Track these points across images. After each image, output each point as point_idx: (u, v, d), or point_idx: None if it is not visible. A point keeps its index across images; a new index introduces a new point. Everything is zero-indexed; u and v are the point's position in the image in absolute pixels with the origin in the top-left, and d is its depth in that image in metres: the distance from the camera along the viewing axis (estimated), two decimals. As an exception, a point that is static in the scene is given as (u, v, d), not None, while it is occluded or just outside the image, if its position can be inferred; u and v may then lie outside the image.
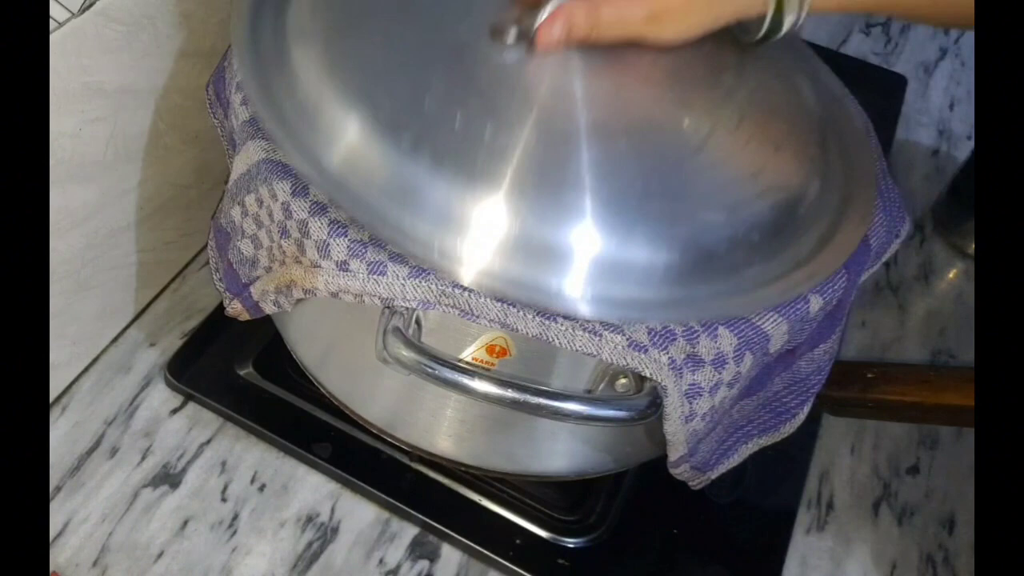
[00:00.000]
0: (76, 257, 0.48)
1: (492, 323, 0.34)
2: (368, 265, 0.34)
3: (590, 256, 0.34)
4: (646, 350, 0.34)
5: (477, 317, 0.34)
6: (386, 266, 0.34)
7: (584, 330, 0.33)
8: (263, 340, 0.54)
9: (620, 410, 0.35)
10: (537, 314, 0.33)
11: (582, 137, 0.36)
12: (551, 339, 0.33)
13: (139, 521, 0.48)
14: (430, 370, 0.34)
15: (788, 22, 0.38)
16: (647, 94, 0.39)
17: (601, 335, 0.34)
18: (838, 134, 0.44)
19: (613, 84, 0.38)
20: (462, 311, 0.34)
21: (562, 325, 0.33)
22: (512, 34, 0.38)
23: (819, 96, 0.45)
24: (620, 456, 0.46)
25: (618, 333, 0.34)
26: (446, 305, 0.34)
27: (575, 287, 0.34)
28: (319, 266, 0.35)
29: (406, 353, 0.34)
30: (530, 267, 0.34)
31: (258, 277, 0.40)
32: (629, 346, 0.34)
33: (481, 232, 0.34)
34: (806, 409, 0.43)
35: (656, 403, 0.35)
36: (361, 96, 0.36)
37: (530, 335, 0.34)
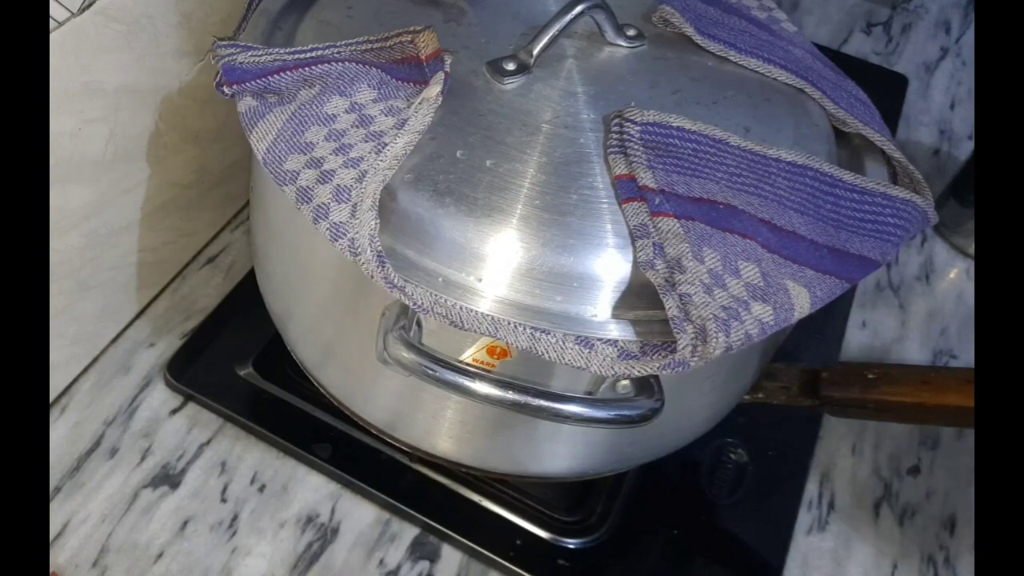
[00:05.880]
0: (76, 257, 0.48)
1: (482, 335, 0.34)
2: (377, 255, 0.34)
3: (614, 280, 0.35)
4: (637, 359, 0.34)
5: (467, 328, 0.33)
6: (386, 259, 0.34)
7: (576, 342, 0.33)
8: (263, 340, 0.54)
9: (622, 412, 0.35)
10: (527, 326, 0.33)
11: (585, 163, 0.37)
12: (541, 352, 0.33)
13: (139, 522, 0.48)
14: (430, 372, 0.34)
15: None
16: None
17: (593, 346, 0.33)
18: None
19: (614, 107, 0.39)
20: (452, 321, 0.33)
21: (552, 337, 0.33)
22: (511, 65, 0.40)
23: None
24: (621, 457, 0.46)
25: (610, 344, 0.34)
26: (438, 313, 0.34)
27: (589, 310, 0.35)
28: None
29: (406, 354, 0.34)
30: (543, 297, 0.34)
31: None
32: (620, 356, 0.33)
33: (486, 261, 0.34)
34: None
35: (658, 404, 0.35)
36: None
37: (520, 347, 0.33)
